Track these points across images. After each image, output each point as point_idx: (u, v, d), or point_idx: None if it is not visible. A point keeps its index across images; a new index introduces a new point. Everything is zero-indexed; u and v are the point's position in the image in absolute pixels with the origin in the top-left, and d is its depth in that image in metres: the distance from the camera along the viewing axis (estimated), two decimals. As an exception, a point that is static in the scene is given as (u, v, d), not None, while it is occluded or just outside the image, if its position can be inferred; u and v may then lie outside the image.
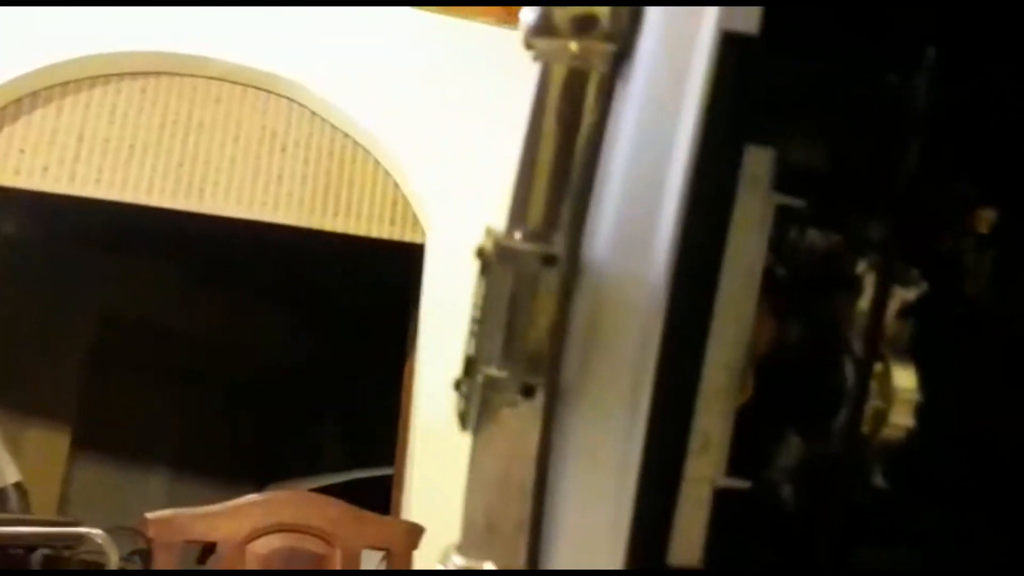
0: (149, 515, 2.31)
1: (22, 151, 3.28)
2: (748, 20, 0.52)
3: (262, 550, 2.37)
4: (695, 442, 0.51)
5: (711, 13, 0.53)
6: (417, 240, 3.49)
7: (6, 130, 3.27)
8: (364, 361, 4.26)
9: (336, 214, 3.46)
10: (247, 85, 3.45)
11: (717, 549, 0.52)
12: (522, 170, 0.62)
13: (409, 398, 3.54)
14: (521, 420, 0.57)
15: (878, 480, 0.55)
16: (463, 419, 0.61)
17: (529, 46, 0.62)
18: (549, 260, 0.57)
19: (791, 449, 0.56)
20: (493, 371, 0.57)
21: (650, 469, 0.51)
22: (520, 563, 0.56)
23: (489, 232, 0.61)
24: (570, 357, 0.56)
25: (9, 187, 3.25)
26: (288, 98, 3.48)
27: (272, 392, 4.43)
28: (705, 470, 0.51)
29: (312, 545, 2.42)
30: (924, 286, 0.57)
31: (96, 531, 1.39)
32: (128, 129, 3.37)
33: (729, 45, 0.52)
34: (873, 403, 0.54)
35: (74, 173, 3.32)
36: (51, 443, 3.94)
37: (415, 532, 2.40)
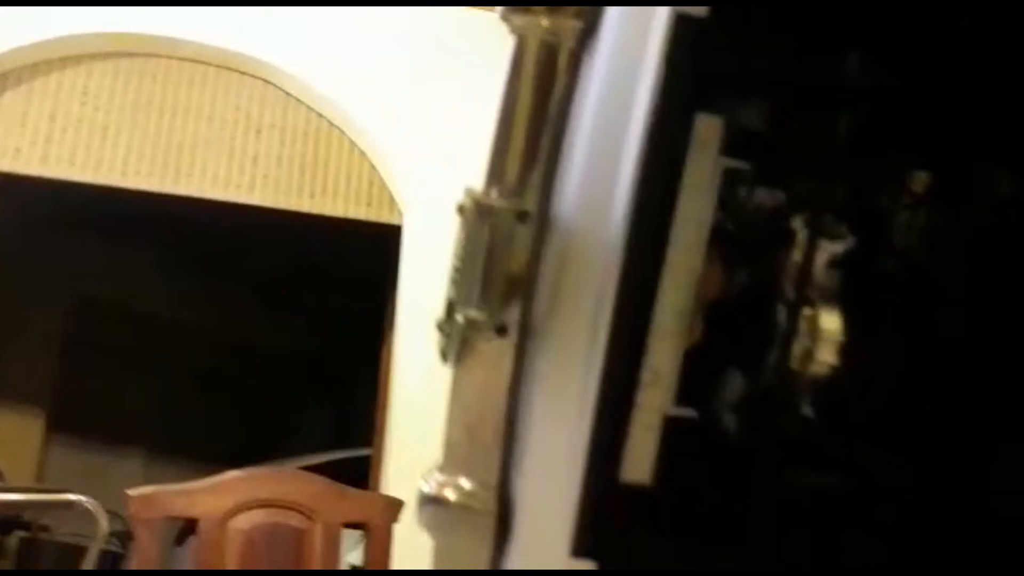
0: (131, 491, 2.32)
1: (-7, 133, 3.26)
2: (699, 6, 0.58)
3: (244, 525, 2.39)
4: (646, 375, 0.58)
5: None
6: (394, 221, 3.51)
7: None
8: (343, 343, 4.27)
9: (312, 195, 3.47)
10: (220, 66, 3.44)
11: (666, 470, 0.59)
12: (499, 133, 0.68)
13: (387, 378, 3.56)
14: (496, 354, 0.65)
15: (806, 411, 0.62)
16: (444, 354, 0.68)
17: (506, 20, 0.68)
18: (522, 216, 0.65)
19: (733, 384, 0.63)
20: (472, 313, 0.65)
21: (606, 397, 0.58)
22: (494, 476, 0.62)
23: (469, 192, 0.68)
24: (539, 300, 0.64)
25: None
26: (262, 79, 3.47)
27: (250, 375, 4.44)
28: (655, 400, 0.58)
29: (293, 520, 2.44)
30: (851, 240, 0.63)
31: (85, 498, 1.41)
32: (101, 111, 3.35)
33: (682, 26, 0.58)
34: (802, 343, 0.61)
35: (47, 155, 3.30)
36: (26, 427, 3.93)
37: (395, 507, 2.42)
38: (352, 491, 2.57)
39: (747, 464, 0.63)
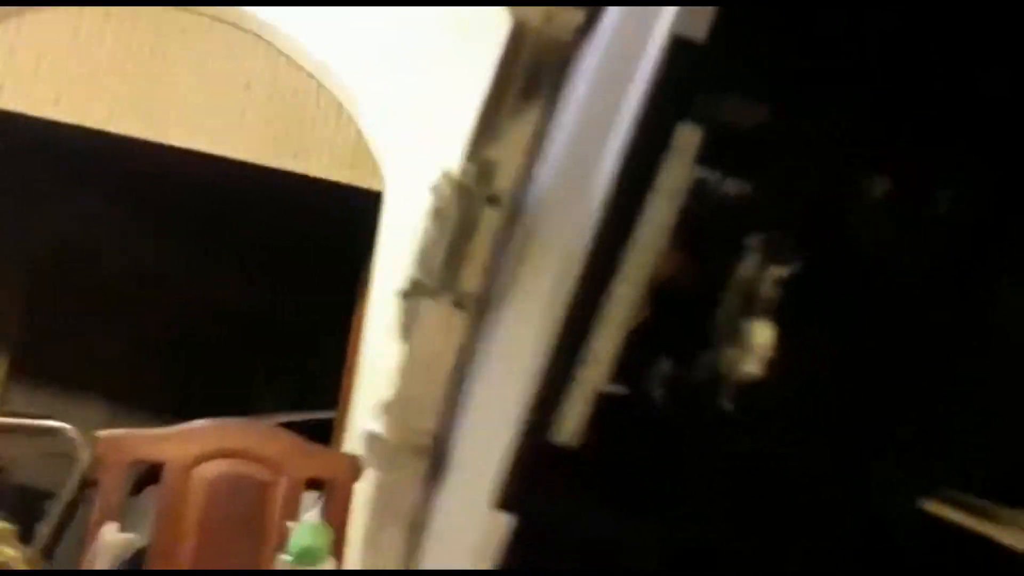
0: (99, 433, 2.34)
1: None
2: (697, 27, 0.62)
3: (209, 474, 2.41)
4: (588, 356, 0.64)
5: (667, 15, 0.62)
6: (375, 187, 3.52)
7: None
8: (312, 304, 4.29)
9: (296, 155, 3.48)
10: (215, 18, 3.43)
11: (592, 437, 0.65)
12: (483, 116, 0.71)
13: (356, 342, 3.59)
14: (451, 323, 0.71)
15: (727, 407, 0.67)
16: (405, 331, 0.73)
17: (507, 6, 0.71)
18: (493, 199, 0.68)
19: (665, 370, 0.68)
20: (435, 285, 0.70)
21: (547, 371, 0.64)
22: (432, 424, 0.68)
23: (445, 173, 0.71)
24: (501, 277, 0.68)
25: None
26: (256, 35, 3.47)
27: (218, 332, 4.44)
28: (592, 376, 0.64)
29: (258, 472, 2.47)
30: (797, 265, 0.67)
31: (67, 426, 1.42)
32: (90, 53, 3.33)
33: (678, 46, 0.62)
34: (732, 350, 0.66)
35: (31, 93, 3.28)
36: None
37: (358, 465, 2.46)
38: (318, 448, 2.61)
39: (666, 440, 0.69)
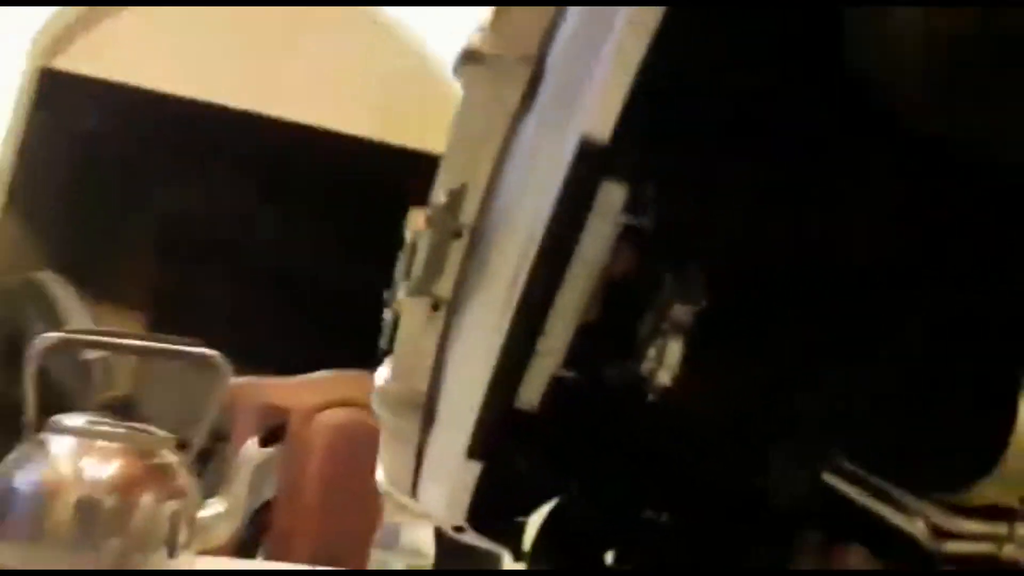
0: (232, 379, 2.51)
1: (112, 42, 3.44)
2: (603, 129, 0.72)
3: (331, 421, 2.58)
4: (541, 346, 0.80)
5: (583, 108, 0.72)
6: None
7: (104, 22, 3.45)
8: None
9: (411, 134, 3.61)
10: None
11: (547, 406, 0.84)
12: (446, 161, 0.84)
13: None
14: (430, 322, 0.91)
15: (652, 397, 0.83)
16: (389, 337, 0.88)
17: (455, 73, 0.84)
18: (457, 233, 0.84)
19: (608, 361, 0.86)
20: (413, 294, 0.90)
21: (505, 361, 0.81)
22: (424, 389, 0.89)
23: (414, 210, 0.88)
24: (467, 286, 0.87)
25: (91, 76, 3.41)
26: (380, 24, 3.58)
27: (329, 303, 4.62)
28: (545, 365, 0.82)
29: (373, 420, 2.62)
30: (703, 303, 0.81)
31: (217, 353, 1.59)
32: (206, 26, 3.50)
33: (583, 154, 0.72)
34: (650, 361, 0.82)
35: (142, 64, 3.45)
36: (129, 328, 4.17)
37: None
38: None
39: (602, 417, 0.89)
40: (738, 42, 0.77)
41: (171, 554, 1.43)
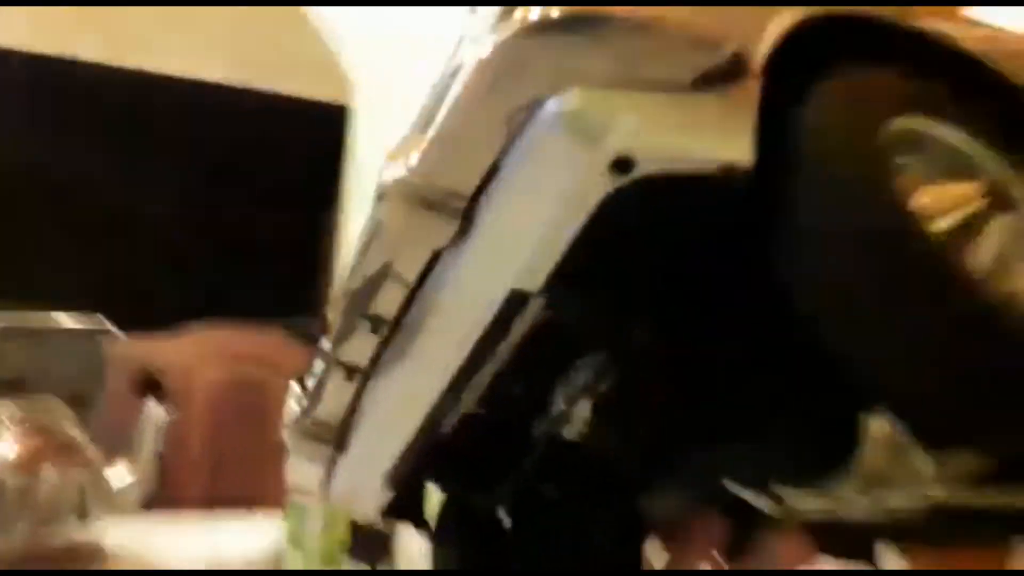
0: (105, 341, 2.50)
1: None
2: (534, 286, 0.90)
3: (212, 376, 2.59)
4: (462, 398, 1.01)
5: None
6: (344, 102, 3.62)
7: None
8: (288, 218, 4.40)
9: (266, 73, 3.55)
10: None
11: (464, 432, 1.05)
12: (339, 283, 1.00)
13: (330, 251, 3.74)
14: (345, 382, 1.07)
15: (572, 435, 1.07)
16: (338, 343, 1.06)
17: (380, 197, 0.97)
18: (377, 325, 1.01)
19: (530, 408, 1.09)
20: (360, 318, 1.03)
21: (433, 416, 1.03)
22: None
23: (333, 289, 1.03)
24: (385, 360, 1.03)
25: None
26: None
27: (196, 246, 4.51)
28: (461, 408, 1.03)
29: (258, 373, 2.66)
30: (609, 377, 1.04)
31: (107, 322, 1.60)
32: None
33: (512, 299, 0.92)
34: (564, 420, 1.05)
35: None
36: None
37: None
38: (308, 349, 2.80)
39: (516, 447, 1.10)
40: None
41: (82, 521, 1.47)
